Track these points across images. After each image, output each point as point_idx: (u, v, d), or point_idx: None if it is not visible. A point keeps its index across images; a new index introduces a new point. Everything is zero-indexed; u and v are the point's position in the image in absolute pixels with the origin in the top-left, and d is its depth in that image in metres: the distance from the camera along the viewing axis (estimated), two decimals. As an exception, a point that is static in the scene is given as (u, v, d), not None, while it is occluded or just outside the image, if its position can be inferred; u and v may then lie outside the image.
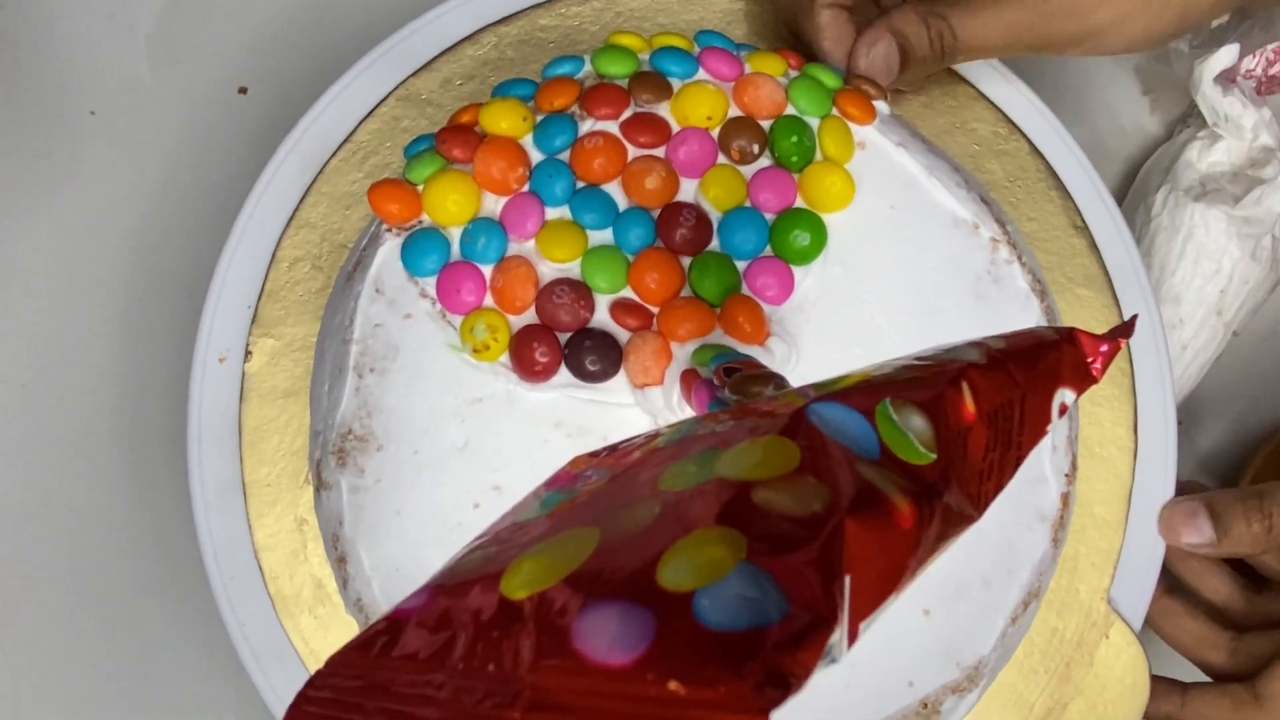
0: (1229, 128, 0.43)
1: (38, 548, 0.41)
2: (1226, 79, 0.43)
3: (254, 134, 0.45)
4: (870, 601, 0.14)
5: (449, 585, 0.16)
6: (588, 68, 0.35)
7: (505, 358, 0.32)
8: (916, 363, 0.19)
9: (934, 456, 0.17)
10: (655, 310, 0.32)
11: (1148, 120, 0.49)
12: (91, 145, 0.45)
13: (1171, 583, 0.39)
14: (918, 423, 0.17)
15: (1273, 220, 0.43)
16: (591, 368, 0.31)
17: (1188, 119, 0.47)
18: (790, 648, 0.12)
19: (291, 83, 0.46)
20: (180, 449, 0.36)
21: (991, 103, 0.40)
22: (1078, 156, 0.40)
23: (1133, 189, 0.47)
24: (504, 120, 0.33)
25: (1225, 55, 0.42)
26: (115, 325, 0.43)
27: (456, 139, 0.32)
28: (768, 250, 0.33)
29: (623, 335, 0.32)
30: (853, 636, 0.14)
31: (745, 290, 0.33)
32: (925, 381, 0.18)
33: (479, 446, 0.32)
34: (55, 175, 0.45)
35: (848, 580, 0.14)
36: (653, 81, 0.33)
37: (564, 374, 0.32)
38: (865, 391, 0.17)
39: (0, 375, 0.43)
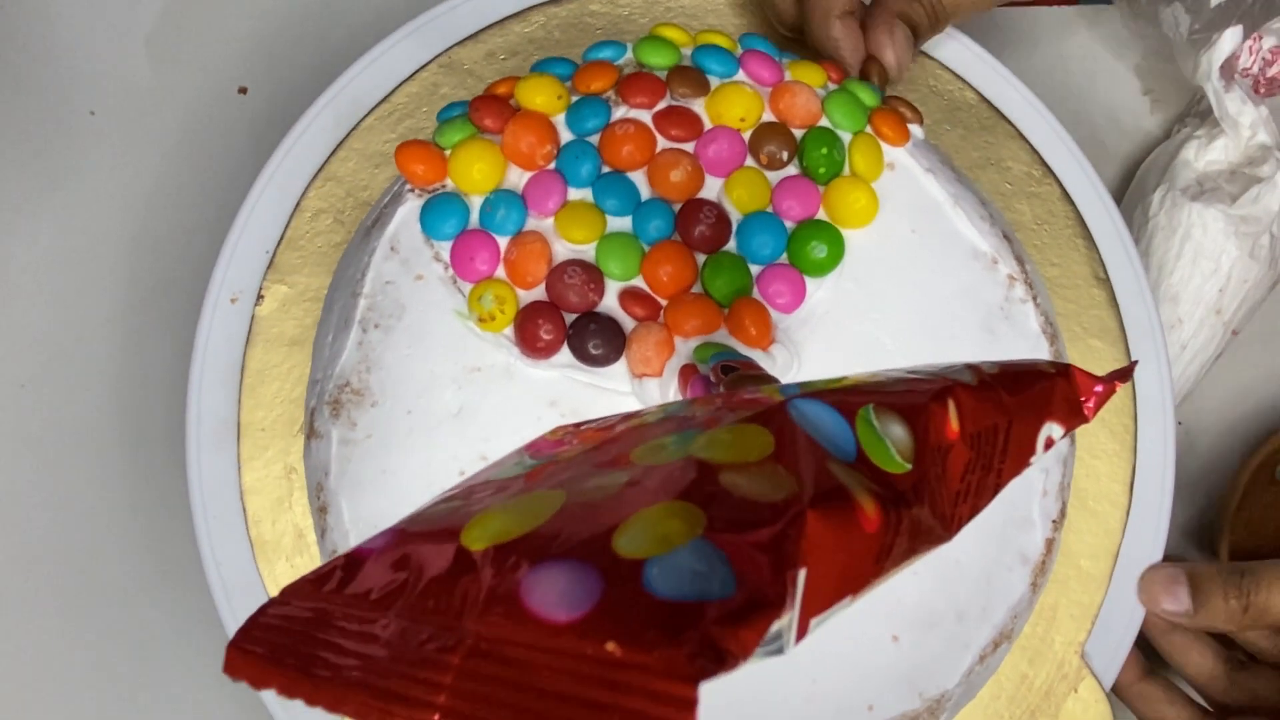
0: (1228, 122, 0.42)
1: (37, 525, 0.42)
2: (1227, 73, 0.42)
3: (253, 134, 0.45)
4: (825, 597, 0.14)
5: (411, 531, 0.16)
6: (629, 55, 0.35)
7: (509, 331, 0.32)
8: (908, 376, 0.19)
9: (909, 467, 0.16)
10: (664, 303, 0.32)
11: (1147, 120, 0.48)
12: (91, 145, 0.45)
13: (1150, 666, 0.38)
14: (897, 431, 0.17)
15: (1270, 218, 0.42)
16: (594, 351, 0.31)
17: (1186, 118, 0.47)
18: (731, 624, 0.12)
19: (291, 82, 0.46)
20: (180, 447, 0.36)
21: (1028, 142, 0.40)
22: (1108, 207, 0.40)
23: (1130, 189, 0.46)
24: (539, 96, 0.33)
25: (1229, 40, 0.41)
26: (114, 326, 0.43)
27: (490, 108, 0.33)
28: (783, 258, 0.33)
29: (628, 323, 0.32)
30: (802, 630, 0.14)
31: (756, 294, 0.32)
32: (912, 393, 0.18)
33: (472, 415, 0.32)
34: (55, 175, 0.44)
35: (803, 571, 0.14)
36: (691, 76, 0.33)
37: (565, 354, 0.32)
38: (850, 394, 0.17)
39: (1, 374, 0.43)
